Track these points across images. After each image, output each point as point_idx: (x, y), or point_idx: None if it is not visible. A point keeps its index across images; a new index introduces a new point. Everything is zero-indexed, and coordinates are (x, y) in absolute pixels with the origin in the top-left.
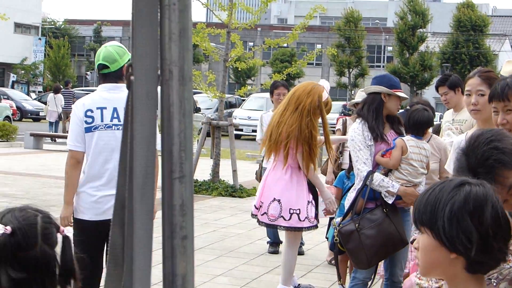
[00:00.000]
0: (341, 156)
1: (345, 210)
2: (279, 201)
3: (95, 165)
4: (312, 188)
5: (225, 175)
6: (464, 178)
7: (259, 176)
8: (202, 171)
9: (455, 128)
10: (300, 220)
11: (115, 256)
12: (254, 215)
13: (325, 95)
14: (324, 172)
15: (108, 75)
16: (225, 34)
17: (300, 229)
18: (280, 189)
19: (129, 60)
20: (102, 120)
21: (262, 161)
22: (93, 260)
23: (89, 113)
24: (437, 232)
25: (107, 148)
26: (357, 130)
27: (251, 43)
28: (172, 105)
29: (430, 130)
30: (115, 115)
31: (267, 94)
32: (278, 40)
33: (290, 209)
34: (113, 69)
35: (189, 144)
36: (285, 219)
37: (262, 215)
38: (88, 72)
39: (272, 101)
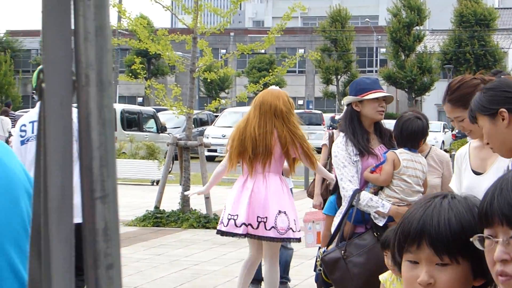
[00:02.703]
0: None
1: (331, 236)
2: (285, 213)
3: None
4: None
5: (197, 203)
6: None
7: None
8: (170, 200)
9: None
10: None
11: None
12: (235, 234)
13: None
14: (311, 195)
15: None
16: (191, 41)
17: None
18: (284, 201)
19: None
20: (32, 132)
21: None
22: None
23: (23, 128)
24: None
25: None
26: (340, 145)
27: (224, 50)
28: (90, 114)
29: (430, 141)
30: None
31: (244, 108)
32: (252, 45)
33: (294, 220)
34: None
35: (112, 158)
36: (293, 231)
37: (269, 229)
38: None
39: None
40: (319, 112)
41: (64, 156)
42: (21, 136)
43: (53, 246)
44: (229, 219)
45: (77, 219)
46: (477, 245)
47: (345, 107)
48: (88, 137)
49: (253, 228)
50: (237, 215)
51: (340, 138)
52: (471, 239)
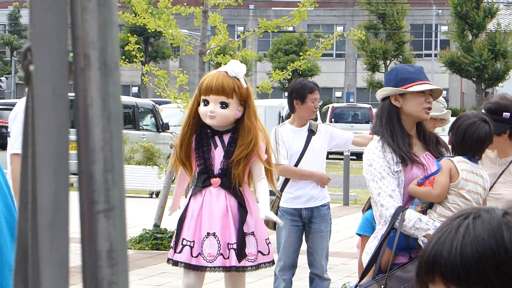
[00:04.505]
0: None
1: (365, 266)
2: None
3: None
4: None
5: None
6: None
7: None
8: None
9: None
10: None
11: None
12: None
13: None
14: None
15: None
16: (201, 15)
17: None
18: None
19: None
20: None
21: (280, 197)
22: None
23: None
24: None
25: None
26: (375, 151)
27: (242, 28)
28: (91, 106)
29: None
30: None
31: (267, 102)
32: (278, 21)
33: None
34: None
35: (119, 162)
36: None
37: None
38: (3, 78)
39: (292, 111)
40: (368, 106)
41: (58, 158)
42: None
43: (44, 272)
44: None
45: None
46: None
47: (381, 102)
48: (88, 135)
49: None
50: None
51: (374, 143)
52: None
